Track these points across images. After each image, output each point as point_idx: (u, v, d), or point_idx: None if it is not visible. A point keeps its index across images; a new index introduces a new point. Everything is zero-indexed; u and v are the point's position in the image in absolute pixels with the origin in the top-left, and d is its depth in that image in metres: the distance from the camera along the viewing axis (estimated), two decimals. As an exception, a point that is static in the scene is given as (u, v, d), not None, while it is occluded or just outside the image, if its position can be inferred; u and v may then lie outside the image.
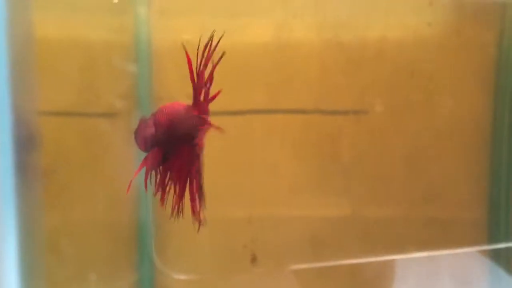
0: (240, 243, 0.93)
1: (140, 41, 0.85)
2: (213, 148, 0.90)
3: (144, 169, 0.51)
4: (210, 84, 0.51)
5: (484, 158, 0.97)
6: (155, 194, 0.51)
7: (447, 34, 0.93)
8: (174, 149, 0.51)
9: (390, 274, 0.96)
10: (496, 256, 0.98)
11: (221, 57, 0.49)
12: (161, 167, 0.52)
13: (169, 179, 0.52)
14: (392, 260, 0.95)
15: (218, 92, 0.50)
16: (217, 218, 0.93)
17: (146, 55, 0.86)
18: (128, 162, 0.88)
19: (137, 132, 0.52)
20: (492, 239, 0.98)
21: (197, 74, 0.50)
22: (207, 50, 0.49)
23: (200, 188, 0.51)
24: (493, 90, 0.95)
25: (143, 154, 0.52)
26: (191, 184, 0.51)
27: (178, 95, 0.90)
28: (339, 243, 0.96)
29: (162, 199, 0.51)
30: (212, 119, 0.92)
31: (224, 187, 0.92)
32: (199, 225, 0.50)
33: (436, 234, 0.97)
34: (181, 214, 0.51)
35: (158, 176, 0.52)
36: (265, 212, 0.93)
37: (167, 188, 0.51)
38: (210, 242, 0.93)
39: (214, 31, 0.48)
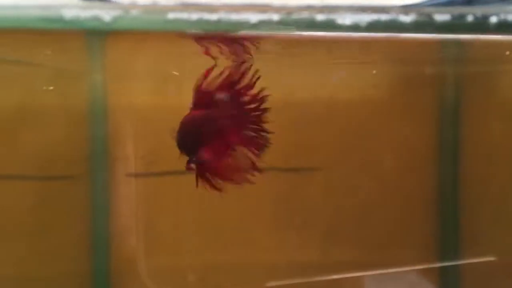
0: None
1: (95, 105, 0.87)
2: (160, 211, 0.92)
3: None
4: None
5: (432, 212, 1.01)
6: None
7: (391, 95, 0.98)
8: None
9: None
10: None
11: None
12: None
13: None
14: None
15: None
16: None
17: (101, 118, 0.88)
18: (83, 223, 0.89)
19: None
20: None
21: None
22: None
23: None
24: (438, 146, 1.00)
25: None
26: None
27: (134, 154, 0.93)
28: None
29: None
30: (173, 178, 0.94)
31: (176, 251, 0.94)
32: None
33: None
34: None
35: None
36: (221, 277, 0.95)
37: None
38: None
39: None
